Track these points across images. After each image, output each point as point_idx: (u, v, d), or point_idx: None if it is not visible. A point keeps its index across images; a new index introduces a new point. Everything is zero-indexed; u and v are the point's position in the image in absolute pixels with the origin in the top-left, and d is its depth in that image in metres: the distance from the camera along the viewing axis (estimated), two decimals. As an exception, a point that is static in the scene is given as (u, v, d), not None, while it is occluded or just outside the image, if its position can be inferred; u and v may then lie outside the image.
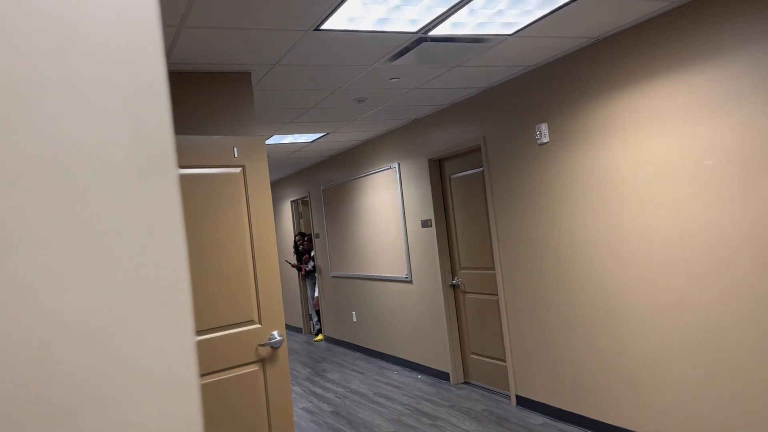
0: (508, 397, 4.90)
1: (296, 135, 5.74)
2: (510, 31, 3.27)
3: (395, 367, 6.42)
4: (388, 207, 6.36)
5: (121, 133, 0.52)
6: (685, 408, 3.34)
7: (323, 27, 2.87)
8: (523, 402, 4.60)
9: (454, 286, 5.53)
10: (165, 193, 0.53)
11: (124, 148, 0.52)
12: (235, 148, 3.19)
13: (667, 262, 3.35)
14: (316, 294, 8.68)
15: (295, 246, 8.93)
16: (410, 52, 3.44)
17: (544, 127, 4.12)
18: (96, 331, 0.49)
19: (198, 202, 3.06)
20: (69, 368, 0.48)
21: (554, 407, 4.29)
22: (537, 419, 4.32)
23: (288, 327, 10.01)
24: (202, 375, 3.04)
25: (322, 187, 8.00)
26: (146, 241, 0.52)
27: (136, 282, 0.51)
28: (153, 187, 0.52)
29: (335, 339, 8.09)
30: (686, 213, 3.22)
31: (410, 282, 6.05)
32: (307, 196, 8.64)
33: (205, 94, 3.37)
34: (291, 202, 9.34)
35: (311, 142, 6.22)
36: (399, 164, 6.07)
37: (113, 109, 0.51)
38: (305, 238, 8.84)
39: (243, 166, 3.22)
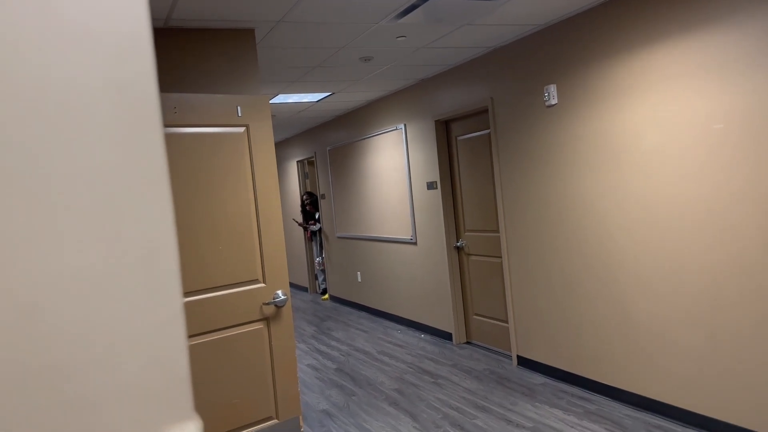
0: (510, 357, 4.97)
1: (302, 94, 5.68)
2: (520, -11, 3.18)
3: (399, 326, 6.50)
4: (393, 168, 6.34)
5: (104, 87, 0.51)
6: (685, 372, 3.37)
7: (328, -17, 2.80)
8: (524, 362, 4.66)
9: (458, 248, 5.55)
10: (150, 150, 0.52)
11: (107, 103, 0.51)
12: (239, 107, 3.16)
13: (672, 226, 3.34)
14: (324, 255, 8.73)
15: (303, 205, 8.95)
16: (417, 9, 3.36)
17: (552, 89, 4.05)
18: (82, 291, 0.49)
19: (201, 162, 3.06)
20: (56, 327, 0.48)
21: (554, 368, 4.35)
22: (537, 379, 4.39)
23: (294, 286, 10.12)
24: (208, 332, 3.09)
25: (328, 147, 7.96)
26: (131, 199, 0.51)
27: (122, 241, 0.51)
28: (138, 144, 0.51)
29: (340, 298, 8.18)
30: (693, 178, 3.19)
31: (415, 243, 6.07)
32: (313, 157, 8.61)
33: (207, 52, 3.32)
34: (297, 162, 9.32)
35: (317, 101, 6.16)
36: (405, 125, 6.02)
37: (95, 62, 0.50)
38: (312, 198, 8.84)
39: (247, 126, 3.20)
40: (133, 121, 0.51)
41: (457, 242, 5.53)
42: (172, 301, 0.53)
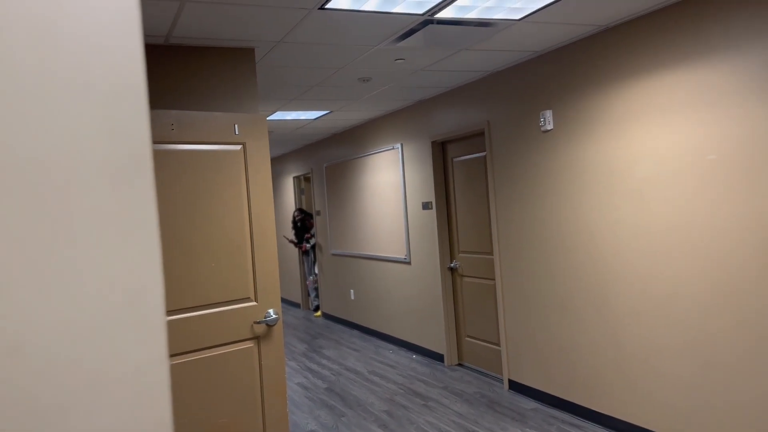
0: (501, 381, 4.94)
1: (300, 112, 5.71)
2: (518, 17, 3.23)
3: (391, 346, 6.47)
4: (389, 187, 6.35)
5: (98, 136, 0.51)
6: (677, 400, 3.36)
7: (328, 6, 2.84)
8: (516, 387, 4.64)
9: (452, 269, 5.55)
10: (141, 197, 0.52)
11: (101, 151, 0.51)
12: (236, 125, 3.18)
13: (665, 255, 3.35)
14: (316, 271, 8.71)
15: (294, 222, 8.92)
16: (416, 34, 3.40)
17: (548, 114, 4.08)
18: (67, 334, 0.50)
19: (197, 179, 3.06)
20: (39, 371, 0.48)
21: (546, 393, 4.33)
22: (529, 404, 4.37)
23: (287, 302, 10.08)
24: (198, 350, 3.07)
25: (324, 164, 7.98)
26: (119, 241, 0.52)
27: (109, 285, 0.51)
28: (129, 191, 0.52)
29: (333, 316, 8.15)
30: (686, 207, 3.21)
31: (409, 263, 6.07)
32: (309, 173, 8.62)
33: (207, 70, 3.34)
34: (293, 178, 9.33)
35: (315, 119, 6.19)
36: (402, 145, 6.05)
37: (91, 111, 0.51)
38: (303, 215, 8.81)
39: (243, 144, 3.21)
40: (126, 169, 0.52)
41: (451, 263, 5.53)
42: (157, 343, 0.53)
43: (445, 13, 3.08)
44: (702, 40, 3.06)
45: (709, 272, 3.12)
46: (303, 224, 8.80)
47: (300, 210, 8.87)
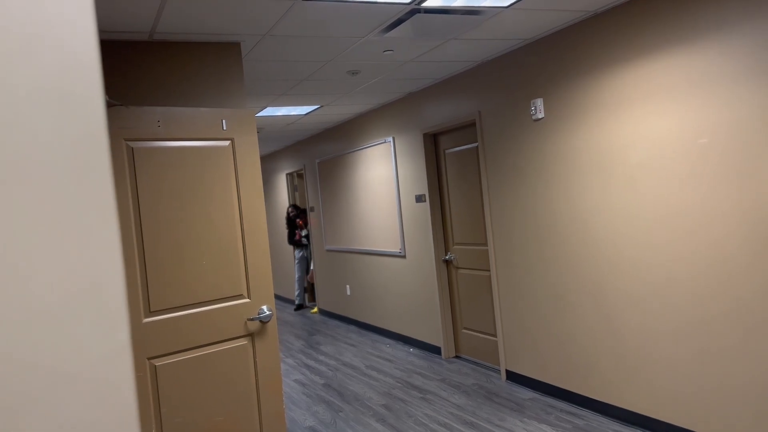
0: (498, 371, 4.93)
1: (290, 107, 5.67)
2: (505, 4, 3.20)
3: (388, 340, 6.45)
4: (382, 181, 6.32)
5: (49, 123, 0.48)
6: (673, 387, 3.36)
7: (313, -3, 2.80)
8: (513, 377, 4.63)
9: (447, 262, 5.53)
10: (96, 185, 0.50)
11: (51, 139, 0.48)
12: (224, 121, 3.14)
13: (659, 241, 3.34)
14: (311, 267, 8.71)
15: (288, 218, 8.87)
16: (403, 23, 3.36)
17: (539, 103, 4.06)
18: (21, 329, 0.47)
19: (185, 175, 3.02)
20: (-13, 367, 0.45)
21: (543, 382, 4.32)
22: (526, 394, 4.36)
23: (283, 299, 10.05)
24: (192, 348, 3.04)
25: (317, 160, 7.94)
26: (76, 234, 0.49)
27: (66, 277, 0.48)
28: (84, 180, 0.49)
29: (329, 312, 8.12)
30: (679, 192, 3.20)
31: (404, 257, 6.05)
32: (302, 169, 8.58)
33: (193, 66, 3.30)
34: (286, 174, 9.29)
35: (305, 114, 6.15)
36: (394, 138, 6.02)
37: (41, 98, 0.48)
38: (297, 212, 8.79)
39: (232, 139, 3.17)
40: (81, 156, 0.49)
41: (446, 255, 5.51)
42: (119, 334, 0.51)
43: (432, 2, 3.05)
44: (691, 24, 3.04)
45: (703, 258, 3.10)
46: (295, 220, 8.78)
47: (294, 206, 8.83)
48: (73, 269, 0.49)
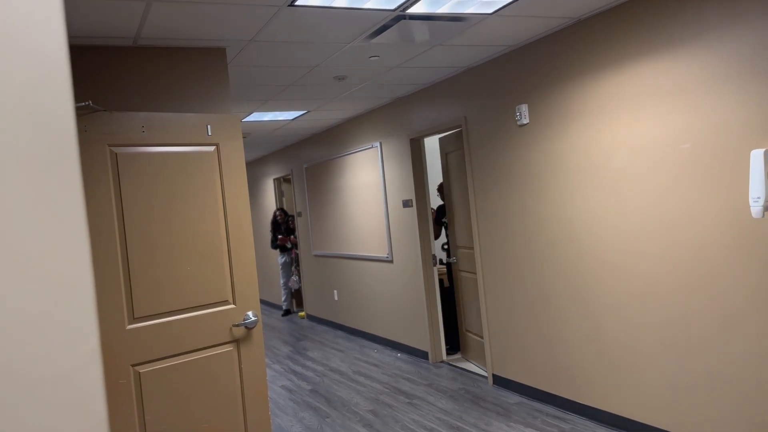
0: (485, 376, 4.94)
1: (277, 112, 5.67)
2: (489, 10, 3.22)
3: (376, 345, 6.45)
4: (369, 186, 6.33)
5: (19, 123, 0.48)
6: (658, 390, 3.38)
7: (297, 3, 2.80)
8: (500, 381, 4.65)
9: (434, 266, 5.53)
10: (65, 189, 0.50)
11: (21, 138, 0.48)
12: (209, 126, 3.13)
13: (642, 245, 3.37)
14: (293, 276, 8.74)
15: (275, 222, 8.83)
16: (389, 30, 3.38)
17: (524, 108, 4.09)
18: (-15, 335, 0.46)
19: (170, 181, 3.01)
20: (-48, 375, 0.45)
21: (530, 386, 4.33)
22: (513, 398, 4.37)
23: (270, 304, 10.01)
24: (176, 354, 3.02)
25: (304, 165, 7.93)
26: (43, 239, 0.49)
27: (33, 283, 0.48)
28: (51, 185, 0.49)
29: (317, 317, 8.10)
30: (661, 197, 3.23)
31: (391, 261, 6.05)
32: (289, 174, 8.57)
33: (178, 71, 3.29)
34: (274, 180, 9.27)
35: (292, 120, 6.14)
36: (381, 143, 6.03)
37: (10, 99, 0.48)
38: (287, 217, 8.78)
39: (217, 145, 3.17)
40: (49, 158, 0.49)
41: (434, 260, 5.51)
42: (88, 341, 0.51)
43: (417, 8, 3.07)
44: (673, 30, 3.08)
45: (685, 261, 3.14)
46: (286, 225, 8.76)
47: (282, 210, 8.81)
48: (39, 276, 0.49)
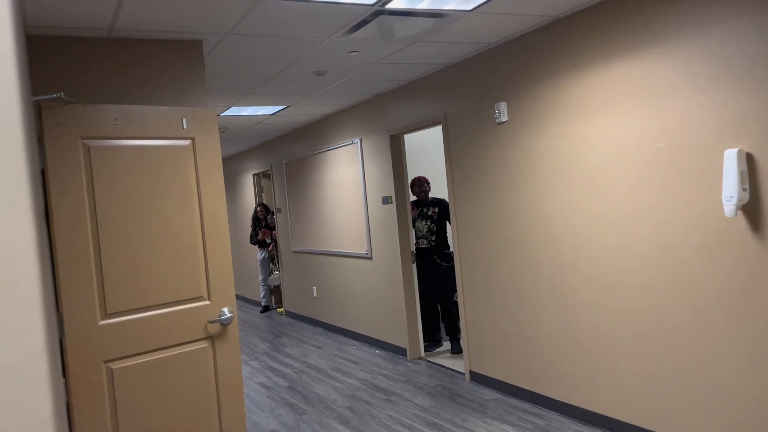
0: (462, 372, 4.96)
1: (256, 107, 5.62)
2: (469, 7, 3.22)
3: (354, 342, 6.44)
4: (349, 182, 6.31)
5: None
6: (632, 387, 3.42)
7: (275, -4, 2.77)
8: (477, 378, 4.67)
9: (413, 263, 5.53)
10: (7, 179, 0.48)
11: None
12: (184, 120, 3.09)
13: (617, 242, 3.40)
14: (272, 272, 8.71)
15: (256, 218, 8.78)
16: (368, 24, 3.36)
17: (503, 106, 4.10)
18: None
19: (144, 175, 2.96)
20: None
21: (506, 383, 4.36)
22: (489, 395, 4.39)
23: (248, 301, 9.94)
24: (149, 351, 2.98)
25: (284, 160, 7.88)
26: (-16, 229, 0.47)
27: (-27, 274, 0.46)
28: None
29: (296, 314, 8.07)
30: (637, 195, 3.26)
31: (370, 258, 6.04)
32: (269, 170, 8.51)
33: (153, 63, 3.24)
34: (253, 175, 9.20)
35: (271, 114, 6.09)
36: (361, 140, 6.01)
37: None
38: (267, 213, 8.73)
39: (192, 138, 3.12)
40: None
41: (413, 257, 5.51)
42: (34, 337, 0.49)
43: (396, 4, 3.05)
44: (651, 30, 3.11)
45: (658, 259, 3.17)
46: (265, 222, 8.71)
47: (263, 206, 8.75)
48: (-19, 269, 0.47)
